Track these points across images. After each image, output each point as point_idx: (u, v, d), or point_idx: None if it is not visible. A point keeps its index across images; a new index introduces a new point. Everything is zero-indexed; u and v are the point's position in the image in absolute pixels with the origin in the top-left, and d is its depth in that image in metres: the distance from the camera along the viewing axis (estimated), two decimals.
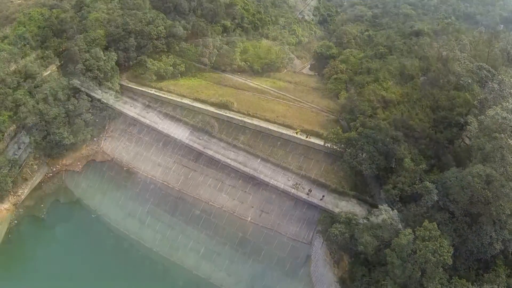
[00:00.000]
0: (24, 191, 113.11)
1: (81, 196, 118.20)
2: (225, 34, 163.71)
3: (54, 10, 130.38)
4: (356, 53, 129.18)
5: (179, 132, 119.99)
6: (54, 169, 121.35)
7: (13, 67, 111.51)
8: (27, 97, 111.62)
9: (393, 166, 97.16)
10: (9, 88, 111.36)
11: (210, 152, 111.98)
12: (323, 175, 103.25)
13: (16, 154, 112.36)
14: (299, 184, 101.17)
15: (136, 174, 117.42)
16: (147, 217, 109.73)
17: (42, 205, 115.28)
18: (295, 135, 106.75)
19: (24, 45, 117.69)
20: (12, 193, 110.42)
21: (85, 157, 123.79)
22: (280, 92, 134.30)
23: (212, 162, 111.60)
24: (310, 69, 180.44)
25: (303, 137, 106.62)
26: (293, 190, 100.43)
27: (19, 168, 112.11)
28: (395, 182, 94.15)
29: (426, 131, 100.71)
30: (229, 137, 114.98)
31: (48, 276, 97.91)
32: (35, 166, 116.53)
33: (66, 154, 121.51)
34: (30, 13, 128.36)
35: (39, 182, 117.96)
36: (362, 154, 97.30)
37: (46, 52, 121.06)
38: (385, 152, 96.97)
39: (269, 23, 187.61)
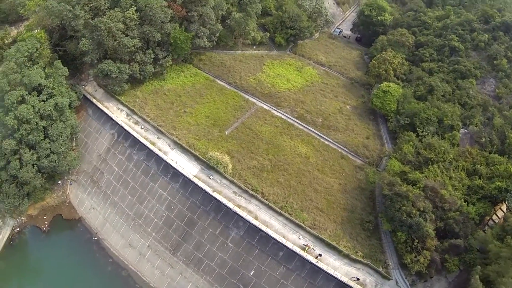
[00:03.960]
0: None
1: None
2: None
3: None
4: (394, 88, 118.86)
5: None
6: (21, 222, 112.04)
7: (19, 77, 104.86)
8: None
9: (415, 243, 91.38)
10: None
11: None
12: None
13: None
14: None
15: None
16: None
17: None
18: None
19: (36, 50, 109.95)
20: None
21: (51, 210, 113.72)
22: (305, 110, 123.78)
23: None
24: (352, 30, 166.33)
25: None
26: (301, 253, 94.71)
27: None
28: (413, 260, 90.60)
29: (457, 203, 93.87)
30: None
31: None
32: None
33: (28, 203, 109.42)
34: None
35: (8, 238, 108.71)
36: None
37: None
38: (408, 224, 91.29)
39: None
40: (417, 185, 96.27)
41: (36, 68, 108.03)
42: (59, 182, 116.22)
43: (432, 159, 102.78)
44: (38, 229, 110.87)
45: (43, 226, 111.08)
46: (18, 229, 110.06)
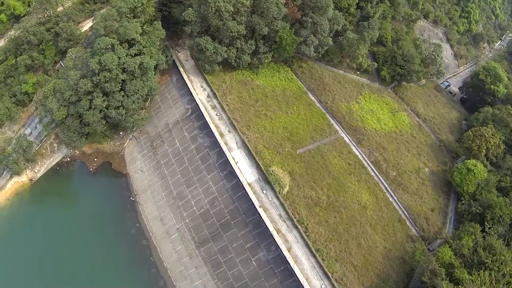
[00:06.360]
0: (41, 168, 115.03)
1: None
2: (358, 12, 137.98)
3: None
4: (480, 169, 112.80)
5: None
6: (73, 154, 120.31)
7: (116, 26, 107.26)
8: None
9: None
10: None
11: None
12: None
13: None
14: None
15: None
16: None
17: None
18: None
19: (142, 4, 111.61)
20: (29, 168, 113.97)
21: (104, 155, 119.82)
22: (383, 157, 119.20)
23: None
24: (461, 89, 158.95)
25: None
26: None
27: (40, 142, 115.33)
28: None
29: None
30: None
31: (65, 221, 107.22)
32: (55, 145, 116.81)
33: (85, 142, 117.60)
34: None
35: (57, 163, 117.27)
36: None
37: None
38: None
39: None
40: (459, 285, 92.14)
41: (135, 22, 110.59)
42: (121, 133, 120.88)
43: (486, 264, 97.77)
44: (85, 167, 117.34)
45: (91, 166, 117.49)
46: (68, 159, 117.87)
